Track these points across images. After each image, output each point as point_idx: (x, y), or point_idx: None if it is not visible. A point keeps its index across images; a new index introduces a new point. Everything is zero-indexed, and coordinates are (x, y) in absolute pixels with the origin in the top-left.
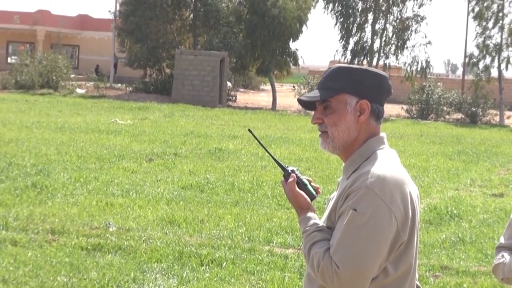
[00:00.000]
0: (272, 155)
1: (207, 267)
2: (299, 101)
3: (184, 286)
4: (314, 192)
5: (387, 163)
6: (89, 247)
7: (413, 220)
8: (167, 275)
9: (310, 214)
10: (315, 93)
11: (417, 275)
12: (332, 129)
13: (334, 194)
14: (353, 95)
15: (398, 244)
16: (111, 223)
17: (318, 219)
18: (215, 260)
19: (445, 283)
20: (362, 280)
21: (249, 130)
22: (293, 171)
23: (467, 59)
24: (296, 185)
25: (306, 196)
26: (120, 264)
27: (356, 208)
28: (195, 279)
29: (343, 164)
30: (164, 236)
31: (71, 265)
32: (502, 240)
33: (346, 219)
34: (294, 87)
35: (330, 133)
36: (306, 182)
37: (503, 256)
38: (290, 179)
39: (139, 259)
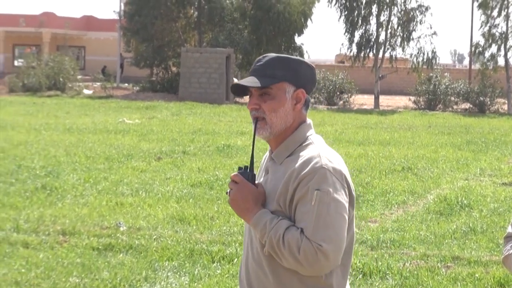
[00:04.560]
0: (254, 152)
1: (218, 263)
2: (233, 86)
3: (195, 284)
4: None
5: (324, 146)
6: (100, 247)
7: (353, 195)
8: (178, 273)
9: (264, 208)
10: (253, 79)
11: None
12: (271, 115)
13: (266, 178)
14: (292, 84)
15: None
16: (121, 223)
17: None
18: (226, 257)
19: (457, 274)
20: (341, 253)
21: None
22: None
23: (473, 49)
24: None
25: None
26: (131, 263)
27: (319, 188)
28: (207, 276)
29: (270, 149)
30: (175, 234)
31: (82, 266)
32: (509, 229)
33: (314, 200)
34: None
35: (268, 119)
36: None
37: None
38: (260, 188)
39: (150, 257)
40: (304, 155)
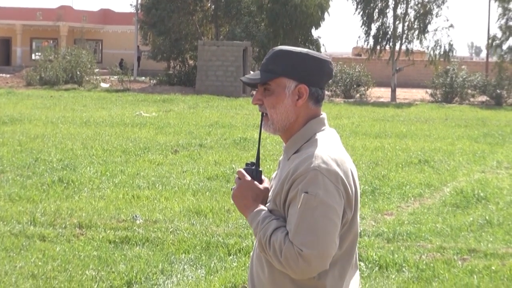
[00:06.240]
0: (260, 148)
1: (234, 256)
2: (242, 81)
3: (212, 276)
4: None
5: (328, 144)
6: (116, 240)
7: (356, 197)
8: (195, 266)
9: (262, 206)
10: (257, 74)
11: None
12: (271, 111)
13: (277, 173)
14: (292, 79)
15: (344, 221)
16: (138, 216)
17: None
18: (242, 249)
19: (473, 266)
20: (326, 258)
21: (262, 115)
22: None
23: (490, 41)
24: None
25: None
26: (148, 256)
27: (307, 190)
28: (223, 268)
29: (283, 144)
30: (191, 227)
31: (99, 259)
32: None
33: (300, 203)
34: None
35: (269, 115)
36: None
37: None
38: (264, 185)
39: (166, 250)
40: (304, 154)
